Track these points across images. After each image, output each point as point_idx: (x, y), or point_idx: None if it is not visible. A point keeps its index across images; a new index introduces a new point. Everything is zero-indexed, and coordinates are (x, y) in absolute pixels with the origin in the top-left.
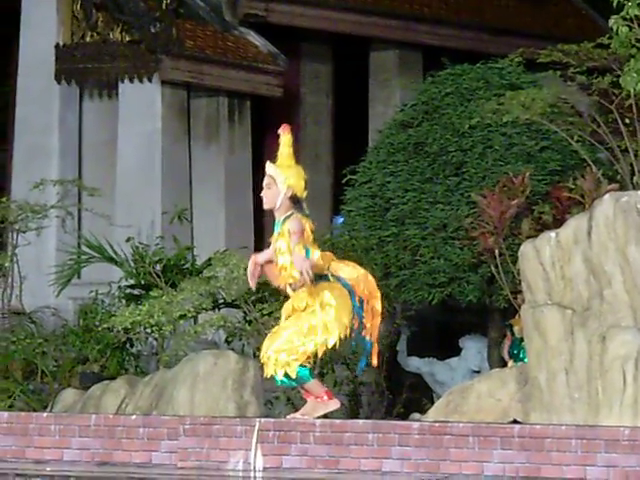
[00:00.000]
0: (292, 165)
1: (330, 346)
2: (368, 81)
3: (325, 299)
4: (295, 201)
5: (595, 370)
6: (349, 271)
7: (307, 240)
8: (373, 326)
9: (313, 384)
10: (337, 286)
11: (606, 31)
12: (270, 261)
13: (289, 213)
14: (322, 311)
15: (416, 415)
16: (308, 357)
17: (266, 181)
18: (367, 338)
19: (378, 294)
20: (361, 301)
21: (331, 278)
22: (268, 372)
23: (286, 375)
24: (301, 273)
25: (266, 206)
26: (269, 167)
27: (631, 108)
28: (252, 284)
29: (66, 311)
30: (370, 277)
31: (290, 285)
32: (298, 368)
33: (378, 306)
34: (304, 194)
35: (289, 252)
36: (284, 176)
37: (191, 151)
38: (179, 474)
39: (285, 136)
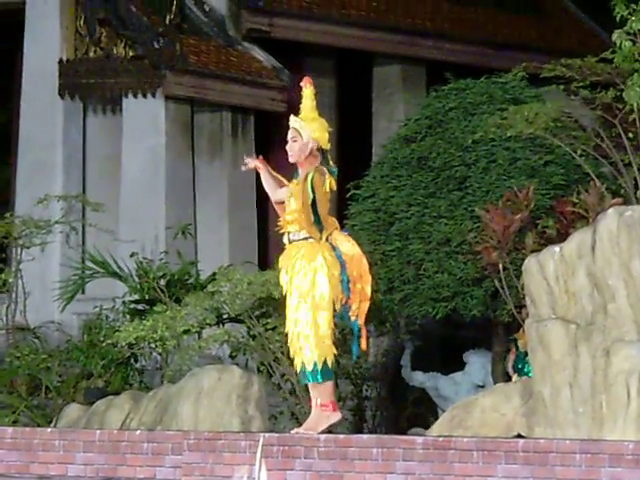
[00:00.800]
0: (316, 117)
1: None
2: (371, 96)
3: (317, 264)
4: (320, 154)
5: (599, 384)
6: (348, 246)
7: (324, 196)
8: (361, 309)
9: (329, 386)
10: (332, 254)
11: (608, 44)
12: (282, 202)
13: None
14: (314, 280)
15: (419, 430)
16: (332, 331)
17: (291, 134)
18: (354, 319)
19: (369, 278)
20: (348, 281)
21: (329, 245)
22: (298, 365)
23: (315, 366)
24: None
25: (292, 159)
26: (294, 120)
27: (634, 122)
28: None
29: (70, 326)
30: (364, 260)
31: (288, 234)
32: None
33: (368, 290)
34: (328, 146)
35: (297, 199)
36: (309, 129)
37: (195, 166)
38: None
39: (308, 89)
